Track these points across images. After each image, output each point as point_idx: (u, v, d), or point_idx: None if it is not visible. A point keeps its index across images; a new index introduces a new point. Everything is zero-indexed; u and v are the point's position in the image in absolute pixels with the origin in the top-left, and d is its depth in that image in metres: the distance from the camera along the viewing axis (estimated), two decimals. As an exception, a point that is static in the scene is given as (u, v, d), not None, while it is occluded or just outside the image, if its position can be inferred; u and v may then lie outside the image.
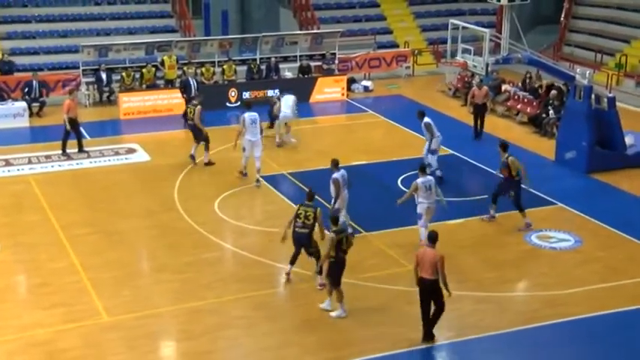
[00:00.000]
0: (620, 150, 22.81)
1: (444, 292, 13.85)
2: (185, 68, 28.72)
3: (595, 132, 22.50)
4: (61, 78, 28.93)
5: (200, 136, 22.61)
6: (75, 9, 34.21)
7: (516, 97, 28.05)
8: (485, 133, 25.39)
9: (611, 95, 23.58)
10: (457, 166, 23.07)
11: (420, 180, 17.48)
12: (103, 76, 28.80)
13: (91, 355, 13.84)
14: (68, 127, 23.15)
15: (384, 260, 17.29)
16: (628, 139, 23.11)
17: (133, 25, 34.01)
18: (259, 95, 28.79)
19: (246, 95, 28.30)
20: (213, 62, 30.10)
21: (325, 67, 31.37)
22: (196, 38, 32.13)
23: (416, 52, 34.38)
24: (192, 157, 22.88)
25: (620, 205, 20.55)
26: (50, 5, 34.07)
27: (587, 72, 23.16)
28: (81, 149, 23.62)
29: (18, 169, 22.57)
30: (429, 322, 14.13)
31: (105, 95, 29.11)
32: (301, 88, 27.40)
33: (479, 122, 25.43)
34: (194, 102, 22.77)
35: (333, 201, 17.68)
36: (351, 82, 31.31)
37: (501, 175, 18.89)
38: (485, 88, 25.50)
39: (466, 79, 29.89)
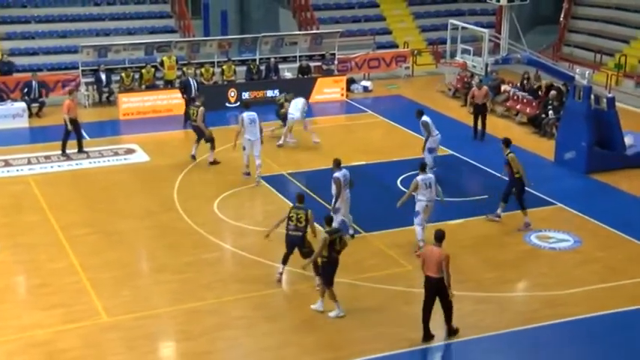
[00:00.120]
0: (620, 150, 22.81)
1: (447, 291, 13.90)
2: (184, 69, 28.74)
3: (594, 132, 22.50)
4: (61, 78, 28.93)
5: (204, 137, 22.62)
6: (74, 9, 34.23)
7: (516, 97, 28.06)
8: (486, 134, 25.36)
9: (610, 95, 23.59)
10: (457, 167, 23.08)
11: (420, 177, 17.52)
12: (103, 76, 28.80)
13: (91, 355, 13.84)
14: (70, 127, 23.15)
15: (383, 260, 17.29)
16: (627, 140, 23.11)
17: (133, 26, 34.02)
18: (259, 96, 28.81)
19: (245, 96, 28.30)
20: (213, 63, 30.09)
21: (325, 67, 31.37)
22: (196, 39, 32.14)
23: (415, 52, 34.39)
24: (193, 157, 22.94)
25: (620, 205, 20.56)
26: (49, 6, 34.09)
27: (587, 72, 23.17)
28: (80, 149, 23.62)
29: (17, 170, 22.56)
30: (446, 321, 14.22)
31: (104, 96, 29.10)
32: (301, 88, 27.40)
33: (480, 123, 25.39)
34: (196, 103, 22.78)
35: (333, 200, 17.68)
36: (350, 82, 31.31)
37: (507, 174, 18.90)
38: (485, 88, 25.51)
39: (465, 79, 29.90)
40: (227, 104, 28.41)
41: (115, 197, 20.72)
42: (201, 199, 20.46)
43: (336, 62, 31.57)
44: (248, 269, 16.86)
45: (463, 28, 28.30)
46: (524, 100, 27.61)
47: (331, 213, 17.36)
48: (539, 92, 27.60)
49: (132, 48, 29.57)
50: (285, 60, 31.35)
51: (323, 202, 18.93)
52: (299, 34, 32.49)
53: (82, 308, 15.23)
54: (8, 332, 14.44)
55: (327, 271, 14.85)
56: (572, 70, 26.00)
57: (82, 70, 28.88)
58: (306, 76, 30.46)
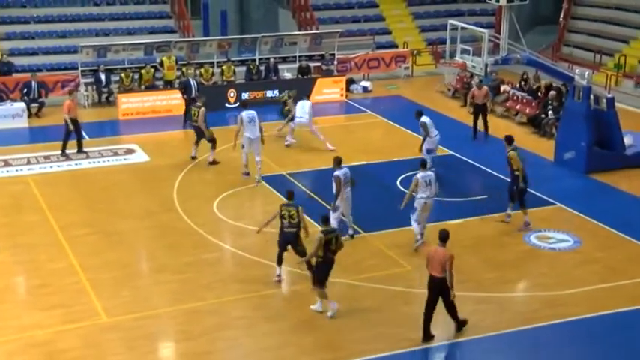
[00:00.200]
0: (619, 150, 22.81)
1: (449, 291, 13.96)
2: (184, 69, 28.74)
3: (594, 132, 22.51)
4: (60, 79, 28.92)
5: (204, 137, 22.63)
6: (74, 9, 34.22)
7: (515, 97, 28.07)
8: (483, 134, 25.34)
9: (610, 96, 23.59)
10: (456, 167, 23.07)
11: (420, 175, 17.59)
12: (102, 76, 28.80)
13: (91, 355, 13.84)
14: (71, 127, 23.15)
15: (383, 261, 17.30)
16: (627, 140, 23.12)
17: (132, 26, 34.01)
18: (258, 96, 28.81)
19: (245, 96, 28.28)
20: (212, 63, 30.10)
21: (324, 67, 31.38)
22: (195, 39, 32.13)
23: (415, 52, 34.40)
24: (194, 158, 22.97)
25: (619, 205, 20.56)
26: (49, 6, 34.09)
27: (586, 72, 23.17)
28: (80, 150, 23.62)
29: (17, 170, 22.55)
30: (452, 316, 14.30)
31: (104, 96, 29.09)
32: (300, 88, 27.35)
33: (483, 123, 25.34)
34: (198, 103, 22.79)
35: (334, 199, 17.71)
36: (350, 82, 31.31)
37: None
38: (485, 88, 25.50)
39: (465, 79, 29.91)
40: (226, 104, 28.40)
41: (114, 197, 20.72)
42: (200, 199, 20.46)
43: (335, 62, 31.57)
44: (248, 269, 16.86)
45: (463, 28, 28.33)
46: (524, 101, 27.62)
47: (330, 211, 17.51)
48: (539, 92, 27.61)
49: (131, 48, 29.56)
50: (284, 60, 31.37)
51: (323, 203, 18.92)
52: (298, 35, 32.49)
53: (81, 308, 15.24)
54: (8, 332, 14.44)
55: (321, 271, 14.85)
56: (572, 71, 26.02)
57: (82, 71, 28.88)
58: (305, 77, 30.46)
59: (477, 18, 37.52)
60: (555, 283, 16.38)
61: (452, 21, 28.76)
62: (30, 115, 27.23)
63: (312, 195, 20.59)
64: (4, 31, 32.46)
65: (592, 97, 22.57)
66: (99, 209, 19.93)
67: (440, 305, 14.21)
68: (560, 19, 37.04)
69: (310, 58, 31.55)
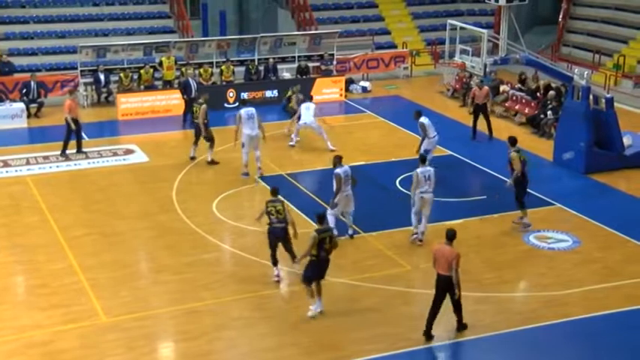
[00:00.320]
0: (618, 150, 22.81)
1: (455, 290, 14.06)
2: (183, 69, 28.74)
3: (593, 132, 22.51)
4: (59, 79, 28.92)
5: (202, 135, 22.64)
6: (73, 10, 34.24)
7: (514, 97, 28.07)
8: (482, 134, 25.36)
9: (609, 96, 23.59)
10: (455, 167, 23.07)
11: (419, 170, 17.70)
12: (101, 76, 28.79)
13: (90, 355, 13.84)
14: (73, 126, 23.16)
15: (382, 261, 17.29)
16: (626, 140, 23.12)
17: (131, 26, 34.01)
18: (258, 96, 28.81)
19: (244, 96, 28.25)
20: (212, 63, 30.10)
21: (323, 67, 31.38)
22: (194, 39, 32.11)
23: (414, 52, 34.40)
24: (193, 158, 22.99)
25: (618, 205, 20.58)
26: (48, 6, 34.09)
27: (585, 72, 23.17)
28: (79, 150, 23.61)
29: (16, 170, 22.54)
30: (457, 315, 14.36)
31: (103, 96, 29.09)
32: (299, 89, 27.37)
33: (486, 124, 25.30)
34: (200, 101, 22.83)
35: (333, 196, 17.74)
36: (349, 82, 31.32)
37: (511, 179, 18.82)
38: (486, 88, 25.48)
39: (464, 79, 29.91)
40: (226, 105, 28.39)
41: (113, 198, 20.72)
42: (200, 199, 20.46)
43: (334, 62, 31.57)
44: (247, 269, 16.85)
45: (462, 28, 28.28)
46: (523, 101, 27.62)
47: (327, 209, 17.59)
48: (538, 93, 27.61)
49: (130, 48, 29.56)
50: (283, 60, 31.36)
51: (322, 203, 18.92)
52: (298, 35, 32.48)
53: (80, 309, 15.23)
54: (7, 333, 14.43)
55: (311, 269, 14.83)
56: (571, 71, 25.99)
57: (81, 71, 28.88)
58: (304, 77, 30.47)
59: (476, 18, 37.53)
60: (554, 283, 16.39)
61: (451, 21, 28.71)
62: (29, 116, 27.21)
63: (312, 195, 20.61)
64: (3, 31, 32.46)
65: (591, 97, 22.57)
66: (98, 209, 19.92)
67: (444, 305, 14.23)
68: (560, 20, 37.06)
69: (309, 58, 31.57)
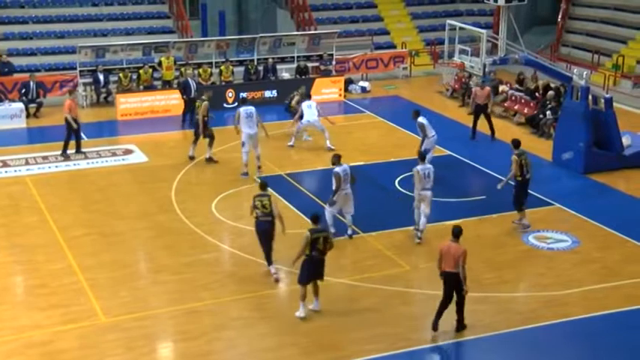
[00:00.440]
0: (617, 151, 22.81)
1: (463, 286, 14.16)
2: (182, 69, 28.74)
3: (592, 132, 22.51)
4: (58, 79, 28.90)
5: (202, 133, 22.67)
6: (72, 10, 34.22)
7: (513, 97, 28.07)
8: (482, 134, 25.37)
9: (608, 96, 23.60)
10: (455, 167, 23.07)
11: (419, 167, 17.81)
12: (101, 77, 28.78)
13: (89, 356, 13.83)
14: (74, 125, 23.17)
15: (381, 261, 17.29)
16: (625, 140, 23.12)
17: (130, 26, 34.00)
18: (257, 96, 28.81)
19: (243, 96, 28.22)
20: (211, 63, 30.10)
21: (323, 68, 31.38)
22: (193, 39, 32.10)
23: (413, 52, 34.41)
24: (191, 158, 23.01)
25: (617, 205, 20.58)
26: (47, 6, 34.07)
27: (585, 73, 23.17)
28: (79, 150, 23.61)
29: (15, 170, 22.53)
30: (458, 314, 14.40)
31: (102, 96, 29.08)
32: (298, 89, 27.36)
33: (488, 125, 25.26)
34: (203, 97, 22.89)
35: (332, 194, 17.79)
36: (348, 82, 31.32)
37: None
38: (487, 88, 25.45)
39: (463, 79, 29.91)
40: (225, 105, 28.37)
41: (112, 198, 20.71)
42: (199, 199, 20.45)
43: (333, 63, 31.58)
44: (246, 269, 16.85)
45: (461, 28, 28.26)
46: (522, 101, 27.63)
47: (325, 207, 17.67)
48: (537, 93, 27.62)
49: (130, 48, 29.54)
50: (282, 60, 31.37)
51: (322, 203, 18.91)
52: (297, 35, 32.47)
53: (80, 309, 15.22)
54: (6, 333, 14.43)
55: (305, 269, 14.85)
56: (570, 71, 25.99)
57: (80, 71, 28.87)
58: (303, 77, 30.46)
59: (475, 18, 37.54)
60: (554, 283, 16.39)
61: (450, 21, 28.68)
62: (28, 116, 27.20)
63: (312, 195, 20.60)
64: (3, 31, 32.44)
65: (590, 97, 22.57)
66: (97, 210, 19.92)
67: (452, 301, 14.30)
68: (559, 20, 37.07)
69: (308, 58, 31.57)
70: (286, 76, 30.84)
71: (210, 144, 22.86)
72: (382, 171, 22.52)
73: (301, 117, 24.34)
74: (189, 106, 26.41)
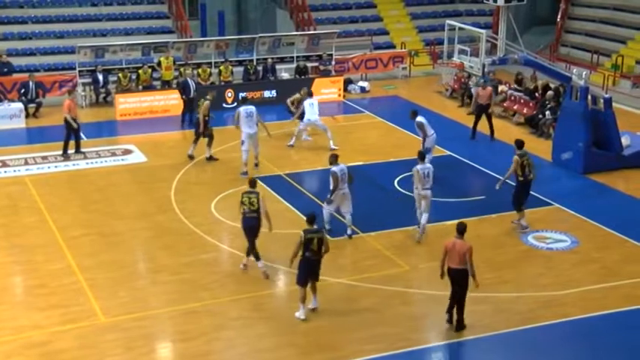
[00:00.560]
0: (617, 151, 22.82)
1: (472, 281, 14.22)
2: (182, 69, 28.74)
3: (591, 133, 22.52)
4: (58, 79, 28.89)
5: (199, 132, 22.70)
6: (71, 10, 34.21)
7: (513, 97, 28.08)
8: (481, 134, 25.38)
9: (607, 96, 23.60)
10: (454, 167, 23.07)
11: (419, 167, 17.87)
12: (100, 77, 28.78)
13: (88, 356, 13.83)
14: (75, 125, 23.18)
15: (380, 261, 17.29)
16: (624, 140, 23.13)
17: (130, 26, 34.00)
18: (256, 96, 28.81)
19: (243, 96, 28.21)
20: (210, 63, 30.11)
21: (322, 68, 31.39)
22: (193, 39, 32.11)
23: (412, 53, 34.41)
24: (191, 156, 23.02)
25: (617, 205, 20.59)
26: (47, 6, 34.07)
27: (584, 73, 23.18)
28: (78, 150, 23.61)
29: (14, 170, 22.53)
30: (458, 313, 14.49)
31: (101, 96, 29.09)
32: (298, 89, 27.36)
33: (488, 125, 25.27)
34: (207, 97, 22.91)
35: (330, 193, 17.82)
36: (347, 82, 31.32)
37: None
38: (489, 88, 25.43)
39: (463, 79, 29.91)
40: (224, 105, 28.36)
41: (112, 198, 20.71)
42: (198, 199, 20.45)
43: (333, 63, 31.58)
44: (245, 270, 16.82)
45: (460, 28, 28.32)
46: (522, 101, 27.63)
47: (323, 206, 17.77)
48: (536, 93, 27.62)
49: (129, 49, 29.54)
50: (282, 60, 31.39)
51: (321, 204, 18.90)
52: (296, 35, 32.48)
53: (79, 309, 15.22)
54: (5, 333, 14.42)
55: (301, 270, 14.85)
56: (570, 71, 26.01)
57: (79, 71, 28.87)
58: (303, 77, 30.46)
59: (474, 18, 37.54)
60: (553, 284, 16.39)
61: (449, 21, 28.75)
62: (27, 116, 27.20)
63: (311, 195, 20.60)
64: (2, 31, 32.44)
65: (590, 97, 22.58)
66: (96, 210, 19.91)
67: (444, 304, 14.28)
68: (558, 20, 37.08)
69: (308, 58, 31.57)
70: (285, 76, 30.84)
71: (210, 144, 22.89)
72: (381, 171, 22.52)
73: (302, 116, 24.34)
74: (189, 106, 26.44)
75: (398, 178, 21.57)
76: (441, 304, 15.08)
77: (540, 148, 24.23)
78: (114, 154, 23.90)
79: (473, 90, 28.11)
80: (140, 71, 28.85)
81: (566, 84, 24.47)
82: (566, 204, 20.27)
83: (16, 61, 30.62)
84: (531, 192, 19.65)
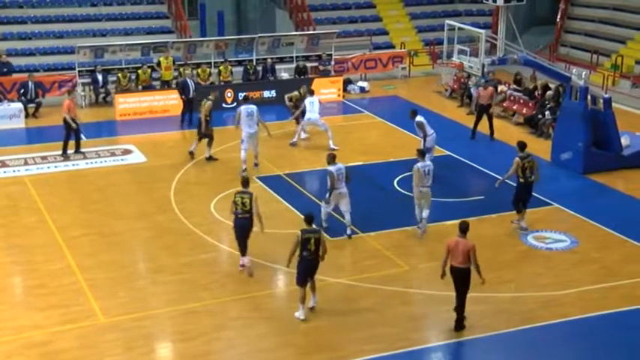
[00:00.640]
0: (616, 151, 22.83)
1: (478, 278, 14.25)
2: (181, 69, 28.74)
3: (591, 133, 22.53)
4: (57, 79, 28.90)
5: (200, 132, 22.72)
6: (71, 10, 34.22)
7: (512, 97, 28.08)
8: (481, 134, 25.38)
9: (607, 96, 23.61)
10: (454, 167, 23.08)
11: (419, 164, 17.91)
12: (99, 77, 28.78)
13: (88, 356, 13.83)
14: (74, 125, 23.21)
15: (380, 261, 17.30)
16: (624, 140, 23.14)
17: (129, 26, 34.00)
18: (255, 96, 28.80)
19: (241, 96, 28.21)
20: (210, 63, 30.11)
21: (321, 68, 31.39)
22: (192, 39, 32.11)
23: (412, 53, 34.42)
24: (192, 153, 23.03)
25: (616, 205, 20.59)
26: (46, 6, 34.07)
27: (583, 73, 23.18)
28: (78, 149, 23.61)
29: (14, 171, 22.53)
30: (458, 312, 14.52)
31: (101, 96, 29.09)
32: (297, 89, 27.36)
33: (488, 125, 25.29)
34: (209, 97, 22.92)
35: (327, 193, 17.81)
36: (347, 83, 31.33)
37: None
38: (490, 88, 25.44)
39: (462, 80, 29.91)
40: (224, 105, 28.37)
41: (111, 198, 20.71)
42: (198, 199, 20.46)
43: (332, 63, 31.59)
44: (245, 271, 16.83)
45: (460, 28, 28.31)
46: (521, 101, 27.64)
47: (321, 206, 17.83)
48: (536, 93, 27.63)
49: (128, 49, 29.53)
50: (281, 60, 31.40)
51: (321, 204, 18.90)
52: (295, 35, 32.48)
53: (79, 309, 15.23)
54: (5, 333, 14.43)
55: (298, 270, 14.87)
56: (569, 71, 26.01)
57: (79, 71, 28.87)
58: (302, 77, 30.47)
59: (474, 18, 37.55)
60: (552, 284, 16.40)
61: (449, 21, 28.74)
62: (27, 116, 27.21)
63: (310, 195, 20.61)
64: (1, 31, 32.45)
65: (589, 97, 22.58)
66: (96, 210, 19.92)
67: (445, 305, 14.22)
68: (557, 20, 37.09)
69: (307, 58, 31.58)
70: (285, 76, 30.84)
71: (210, 144, 22.91)
72: (381, 171, 22.53)
73: (303, 114, 24.35)
74: (188, 106, 26.45)
75: (397, 178, 21.57)
76: (440, 304, 15.11)
77: (540, 148, 24.21)
78: (113, 154, 23.91)
79: (472, 90, 28.15)
80: (140, 71, 28.85)
81: (565, 84, 24.47)
82: (566, 204, 20.27)
83: (16, 61, 30.62)
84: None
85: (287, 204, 20.05)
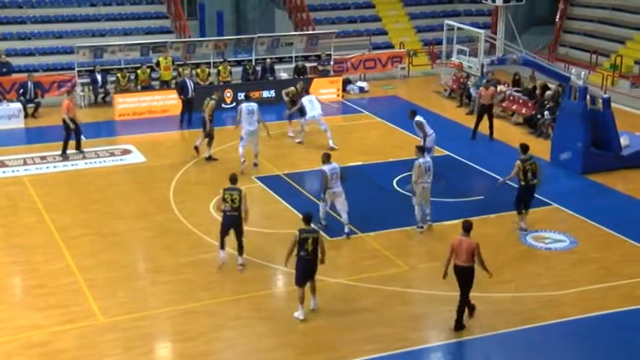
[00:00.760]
0: (615, 151, 22.84)
1: (486, 273, 14.33)
2: (180, 69, 28.74)
3: (590, 133, 22.53)
4: (57, 79, 28.89)
5: (204, 131, 22.72)
6: (70, 10, 34.21)
7: (511, 97, 28.09)
8: (481, 135, 25.38)
9: (606, 96, 23.62)
10: (453, 167, 23.07)
11: (420, 160, 17.96)
12: (98, 77, 28.77)
13: (88, 356, 13.83)
14: (72, 125, 23.20)
15: (379, 261, 17.30)
16: (623, 140, 23.14)
17: (128, 26, 33.99)
18: (255, 96, 28.75)
19: (241, 96, 28.23)
20: (209, 63, 30.11)
21: (321, 68, 31.40)
22: (191, 39, 32.11)
23: (411, 53, 34.43)
24: (196, 147, 23.03)
25: (615, 205, 20.60)
26: (45, 6, 34.06)
27: (583, 73, 23.20)
28: (79, 148, 23.61)
29: (13, 171, 22.52)
30: (458, 312, 14.51)
31: (100, 96, 29.09)
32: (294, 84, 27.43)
33: (488, 125, 25.27)
34: (213, 97, 22.98)
35: (322, 192, 17.92)
36: (346, 83, 31.33)
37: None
38: (492, 88, 25.44)
39: (461, 80, 29.92)
40: (223, 105, 28.37)
41: (111, 198, 20.71)
42: (197, 199, 20.45)
43: (332, 63, 31.59)
44: (244, 269, 16.83)
45: (459, 28, 28.36)
46: (520, 101, 27.64)
47: (320, 202, 18.05)
48: (536, 93, 27.64)
49: (128, 49, 29.53)
50: (280, 61, 31.40)
51: (319, 203, 18.91)
52: (295, 35, 32.49)
53: (78, 309, 15.22)
54: (5, 333, 14.42)
55: (296, 270, 14.88)
56: (568, 71, 26.03)
57: (78, 71, 28.86)
58: (301, 77, 30.46)
59: (473, 18, 37.56)
60: (551, 284, 16.40)
61: (448, 21, 28.79)
62: (26, 116, 27.20)
63: (309, 195, 20.61)
64: (1, 31, 32.43)
65: (588, 97, 22.59)
66: (95, 210, 19.91)
67: (445, 305, 14.21)
68: (556, 20, 37.10)
69: (306, 58, 31.58)
70: (284, 76, 30.84)
71: (210, 143, 22.91)
72: (380, 171, 22.53)
73: (301, 112, 24.34)
74: (187, 106, 26.45)
75: (397, 178, 21.57)
76: (440, 304, 15.12)
77: (539, 148, 24.19)
78: (113, 154, 23.90)
79: (472, 90, 28.16)
80: (139, 71, 28.85)
81: (564, 84, 24.48)
82: (565, 204, 20.27)
83: (15, 61, 30.60)
84: (530, 192, 19.75)
85: (286, 204, 20.05)
